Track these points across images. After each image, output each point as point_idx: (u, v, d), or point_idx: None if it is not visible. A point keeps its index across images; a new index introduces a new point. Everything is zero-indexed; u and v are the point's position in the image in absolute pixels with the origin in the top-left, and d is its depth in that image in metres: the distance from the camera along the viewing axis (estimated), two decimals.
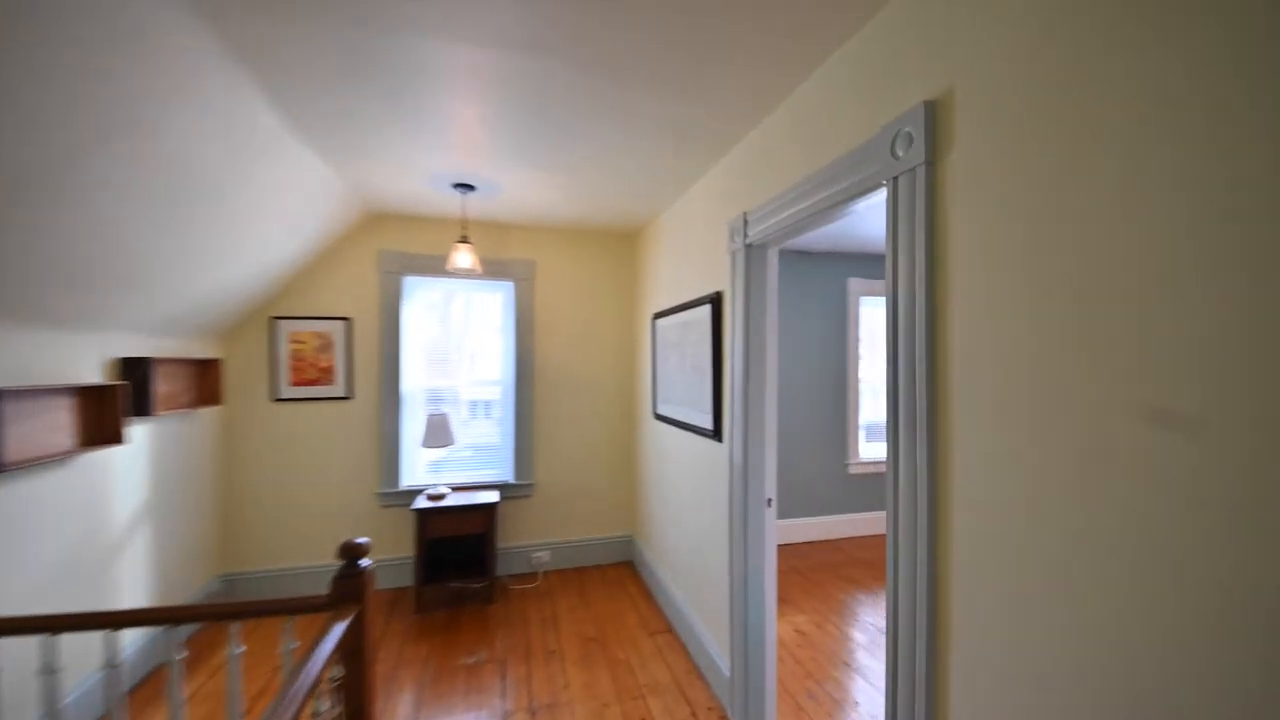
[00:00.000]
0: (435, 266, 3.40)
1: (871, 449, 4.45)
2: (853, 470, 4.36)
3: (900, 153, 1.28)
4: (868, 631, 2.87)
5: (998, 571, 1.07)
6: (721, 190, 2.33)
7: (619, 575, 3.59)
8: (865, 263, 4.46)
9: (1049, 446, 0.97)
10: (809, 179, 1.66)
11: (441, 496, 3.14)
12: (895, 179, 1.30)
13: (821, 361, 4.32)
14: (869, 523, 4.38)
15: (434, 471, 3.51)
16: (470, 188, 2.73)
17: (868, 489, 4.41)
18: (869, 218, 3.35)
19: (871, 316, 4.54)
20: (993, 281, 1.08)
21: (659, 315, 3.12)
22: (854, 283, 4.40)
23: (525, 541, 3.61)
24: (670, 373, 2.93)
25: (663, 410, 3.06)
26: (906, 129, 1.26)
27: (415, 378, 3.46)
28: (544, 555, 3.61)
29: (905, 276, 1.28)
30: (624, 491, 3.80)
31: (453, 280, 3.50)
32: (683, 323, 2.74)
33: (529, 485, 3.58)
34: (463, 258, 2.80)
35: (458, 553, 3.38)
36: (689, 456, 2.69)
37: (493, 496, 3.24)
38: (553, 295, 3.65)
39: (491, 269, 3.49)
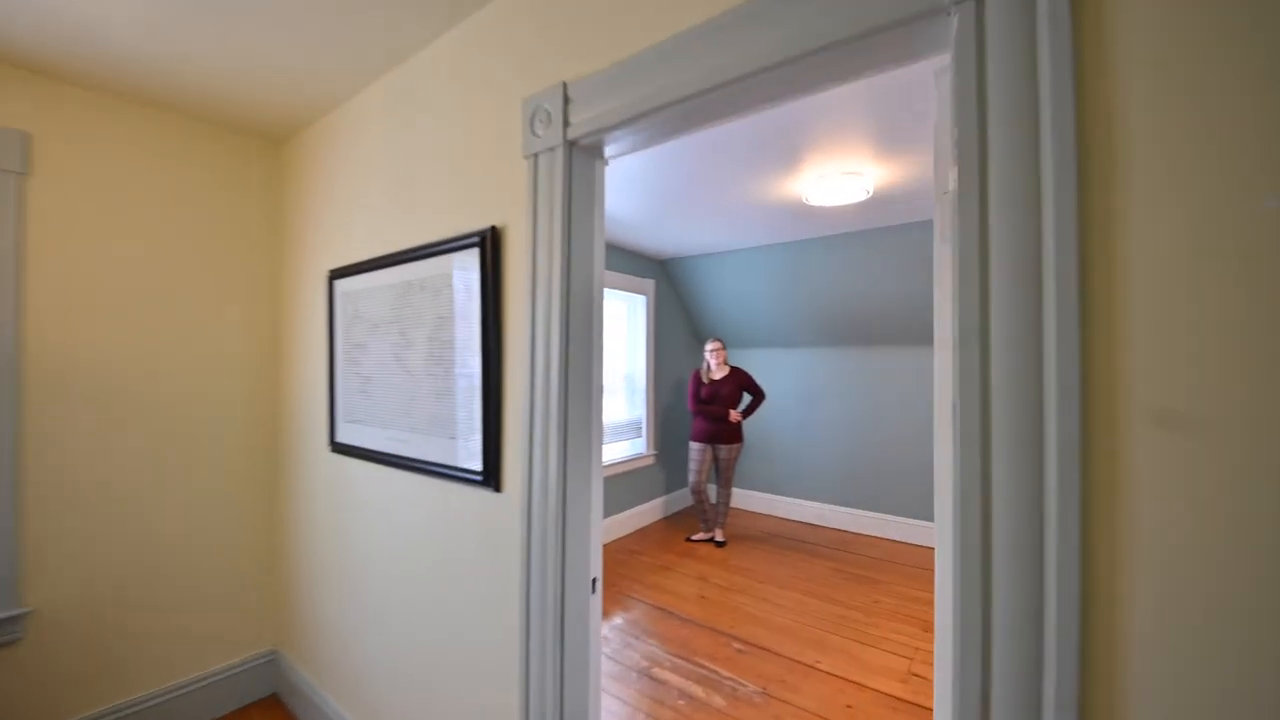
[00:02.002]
0: None
1: (608, 450, 4.02)
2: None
3: None
4: None
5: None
6: (504, 44, 1.32)
7: None
8: None
9: None
10: (740, 8, 0.89)
11: None
12: None
13: None
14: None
15: None
16: None
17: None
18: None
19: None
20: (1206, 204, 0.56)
21: (343, 273, 1.81)
22: None
23: None
24: (373, 372, 1.69)
25: (354, 438, 1.77)
26: None
27: None
28: None
29: (1020, 194, 0.66)
30: (261, 582, 2.21)
31: None
32: (403, 284, 1.57)
33: (12, 621, 1.64)
34: None
35: None
36: (424, 516, 1.55)
37: None
38: (85, 221, 1.78)
39: None
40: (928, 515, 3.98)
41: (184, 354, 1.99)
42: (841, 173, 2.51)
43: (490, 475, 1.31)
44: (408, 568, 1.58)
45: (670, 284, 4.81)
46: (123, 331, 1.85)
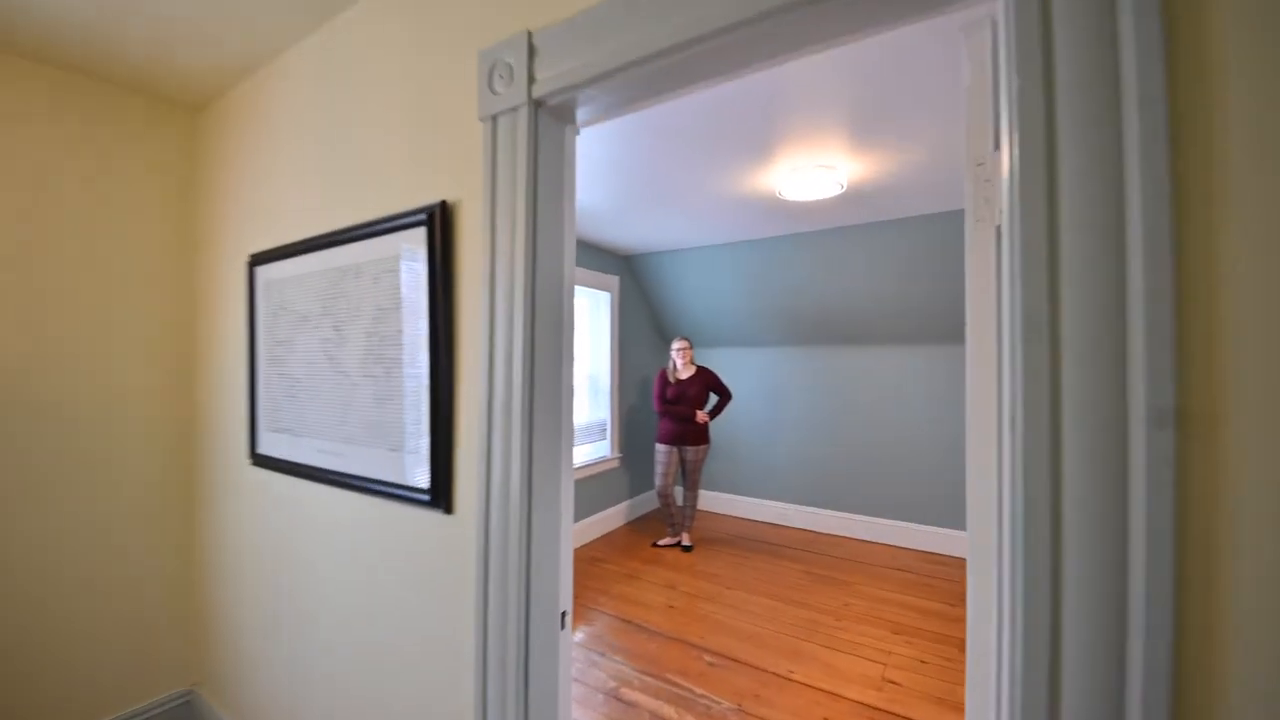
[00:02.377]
0: None
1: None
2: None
3: None
4: None
5: None
6: None
7: None
8: None
9: None
10: None
11: None
12: None
13: None
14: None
15: None
16: None
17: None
18: None
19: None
20: None
21: (265, 258, 1.56)
22: None
23: None
24: (300, 373, 1.46)
25: (279, 449, 1.53)
26: None
27: None
28: None
29: (1097, 163, 0.54)
30: (176, 611, 1.91)
31: None
32: (336, 270, 1.35)
33: None
34: None
35: None
36: (363, 542, 1.33)
37: None
38: None
39: None
40: (895, 514, 3.99)
41: (79, 351, 1.68)
42: (815, 165, 2.42)
43: (440, 494, 1.12)
44: (345, 600, 1.37)
45: (635, 280, 4.66)
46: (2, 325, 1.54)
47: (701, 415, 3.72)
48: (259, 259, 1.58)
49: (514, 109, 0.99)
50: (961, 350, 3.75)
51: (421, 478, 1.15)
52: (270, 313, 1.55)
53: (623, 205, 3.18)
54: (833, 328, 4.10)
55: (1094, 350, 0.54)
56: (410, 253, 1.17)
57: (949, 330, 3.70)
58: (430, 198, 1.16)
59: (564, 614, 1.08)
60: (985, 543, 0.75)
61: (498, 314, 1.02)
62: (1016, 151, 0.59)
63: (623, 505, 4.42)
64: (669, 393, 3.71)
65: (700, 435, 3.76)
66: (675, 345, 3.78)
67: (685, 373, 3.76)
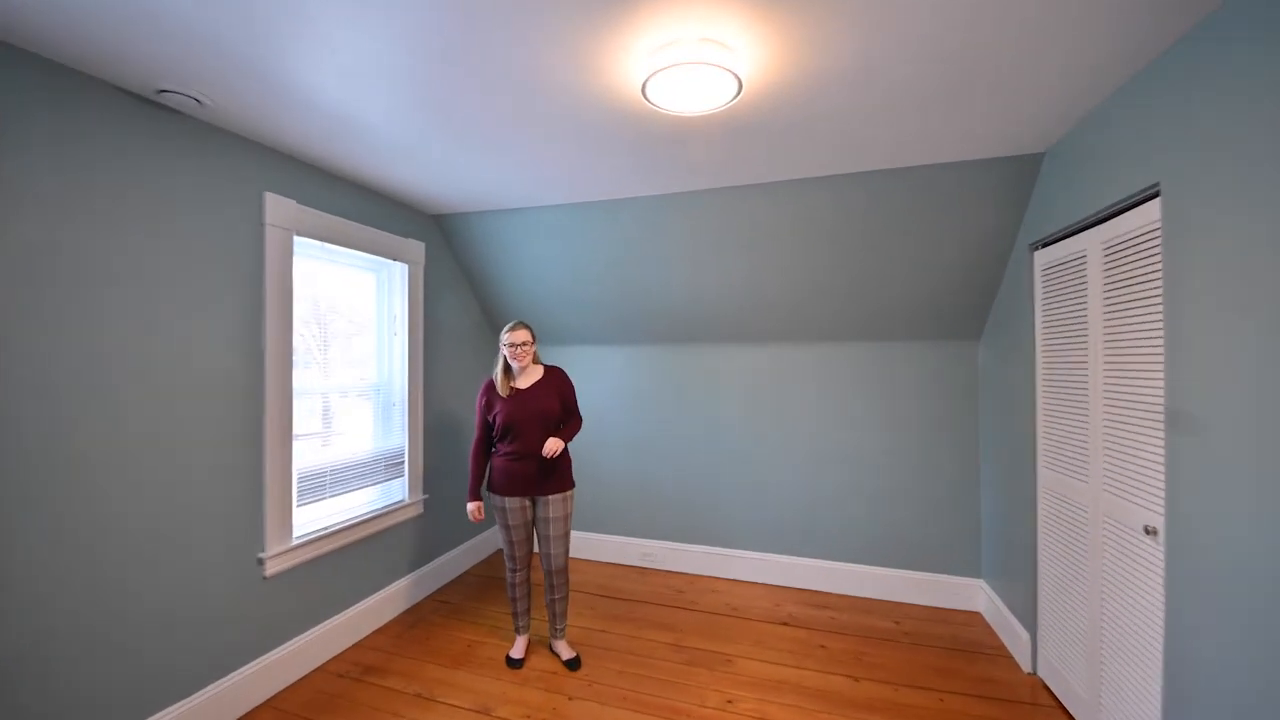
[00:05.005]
0: None
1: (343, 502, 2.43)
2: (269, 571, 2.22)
3: None
4: None
5: None
6: None
7: None
8: (290, 167, 2.38)
9: None
10: None
11: None
12: None
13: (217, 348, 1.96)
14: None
15: None
16: None
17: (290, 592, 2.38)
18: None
19: (312, 272, 2.51)
20: None
21: None
22: (274, 201, 2.24)
23: None
24: None
25: None
26: None
27: None
28: None
29: None
30: None
31: None
32: None
33: None
34: None
35: None
36: None
37: None
38: None
39: None
40: (779, 548, 3.26)
41: None
42: (698, 39, 1.44)
43: None
44: None
45: (451, 250, 3.38)
46: None
47: (552, 443, 2.31)
48: None
49: None
50: (872, 346, 3.11)
51: None
52: None
53: (419, 127, 1.95)
54: (709, 323, 3.26)
55: None
56: None
57: (867, 326, 3.04)
58: None
59: None
60: None
61: None
62: None
63: (427, 570, 3.13)
64: (497, 414, 2.39)
65: (558, 476, 2.43)
66: (506, 337, 2.37)
67: (526, 378, 2.44)
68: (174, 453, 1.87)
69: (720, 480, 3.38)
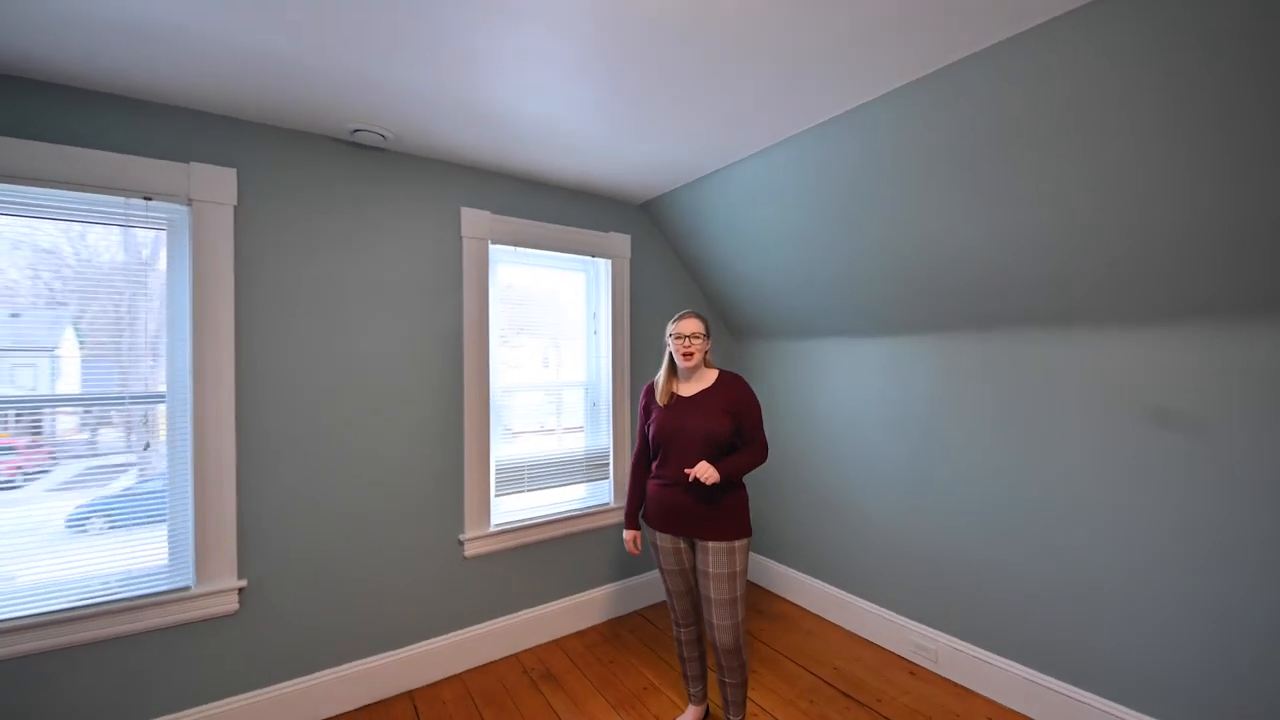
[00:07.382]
0: None
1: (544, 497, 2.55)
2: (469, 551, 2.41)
3: None
4: None
5: None
6: None
7: None
8: (483, 179, 2.52)
9: None
10: None
11: None
12: None
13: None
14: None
15: None
16: None
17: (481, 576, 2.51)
18: None
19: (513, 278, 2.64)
20: None
21: None
22: (470, 215, 2.43)
23: None
24: None
25: None
26: None
27: None
28: None
29: None
30: None
31: None
32: None
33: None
34: None
35: None
36: None
37: None
38: None
39: None
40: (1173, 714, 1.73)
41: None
42: None
43: None
44: None
45: (664, 237, 3.11)
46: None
47: (704, 470, 1.72)
48: None
49: None
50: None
51: None
52: None
53: (613, 102, 1.82)
54: (1079, 292, 2.00)
55: None
56: None
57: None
58: None
59: None
60: None
61: None
62: None
63: (631, 583, 2.94)
64: (652, 425, 1.95)
65: (726, 517, 1.81)
66: (671, 328, 1.93)
67: (693, 384, 1.91)
68: (384, 442, 2.20)
69: (1061, 565, 2.02)
